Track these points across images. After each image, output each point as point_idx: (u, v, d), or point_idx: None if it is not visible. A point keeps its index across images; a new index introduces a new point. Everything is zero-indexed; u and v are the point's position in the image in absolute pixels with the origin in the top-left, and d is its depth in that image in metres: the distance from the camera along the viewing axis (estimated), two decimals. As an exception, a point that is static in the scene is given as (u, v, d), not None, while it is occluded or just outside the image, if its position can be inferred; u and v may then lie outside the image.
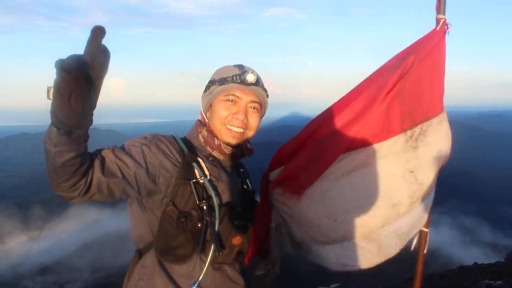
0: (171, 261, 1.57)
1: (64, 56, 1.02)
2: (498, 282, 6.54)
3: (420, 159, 1.76)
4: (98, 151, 1.39)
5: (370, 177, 1.73)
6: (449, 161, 1.83)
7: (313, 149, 1.74)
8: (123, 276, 1.67)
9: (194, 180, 1.55)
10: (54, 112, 1.09)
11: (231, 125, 1.64)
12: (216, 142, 1.67)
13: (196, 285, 1.57)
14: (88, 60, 1.05)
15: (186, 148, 1.61)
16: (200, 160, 1.63)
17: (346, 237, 1.79)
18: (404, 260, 1.97)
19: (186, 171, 1.56)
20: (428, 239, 1.95)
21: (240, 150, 1.74)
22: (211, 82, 1.68)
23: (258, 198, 1.86)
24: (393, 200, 1.75)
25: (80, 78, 1.04)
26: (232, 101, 1.64)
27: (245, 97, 1.64)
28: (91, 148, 1.31)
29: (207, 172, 1.61)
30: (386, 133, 1.72)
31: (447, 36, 1.84)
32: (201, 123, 1.73)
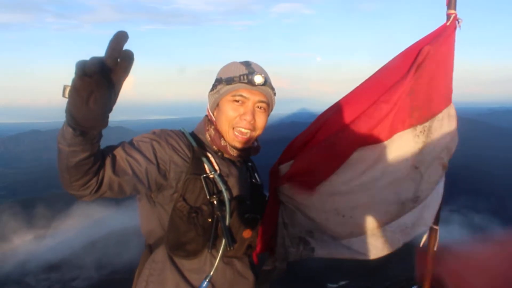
0: (181, 256, 1.58)
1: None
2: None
3: (425, 154, 1.74)
4: (109, 148, 1.39)
5: (378, 173, 1.73)
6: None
7: (325, 146, 1.73)
8: (128, 273, 1.68)
9: (205, 175, 1.55)
10: (70, 112, 1.09)
11: (238, 126, 1.63)
12: (223, 143, 1.66)
13: (207, 280, 1.58)
14: (110, 64, 1.05)
15: (195, 143, 1.61)
16: (209, 155, 1.63)
17: (354, 234, 1.79)
18: (413, 257, 1.96)
19: (196, 166, 1.56)
20: (438, 237, 1.93)
21: (247, 151, 1.73)
22: (218, 81, 1.66)
23: (266, 192, 1.85)
24: (401, 196, 1.74)
25: (101, 82, 1.04)
26: (239, 101, 1.62)
27: (252, 98, 1.63)
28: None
29: (216, 167, 1.61)
30: (396, 129, 1.71)
31: (458, 31, 1.81)
32: (209, 121, 1.72)
